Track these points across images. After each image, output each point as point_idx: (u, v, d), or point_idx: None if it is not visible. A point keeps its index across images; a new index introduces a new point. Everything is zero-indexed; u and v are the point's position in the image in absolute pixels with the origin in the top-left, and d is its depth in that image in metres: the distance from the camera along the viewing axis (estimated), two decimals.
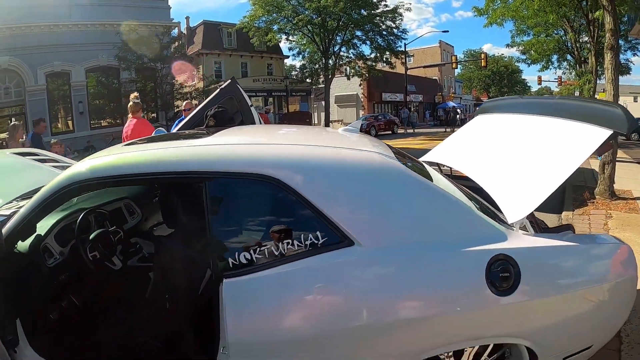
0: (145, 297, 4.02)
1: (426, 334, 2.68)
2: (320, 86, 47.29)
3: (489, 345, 2.90)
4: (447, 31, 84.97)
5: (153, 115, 34.02)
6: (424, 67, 56.79)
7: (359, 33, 43.59)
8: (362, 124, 27.46)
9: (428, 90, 66.59)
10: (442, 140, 5.18)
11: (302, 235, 2.71)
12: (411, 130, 44.28)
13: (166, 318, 3.54)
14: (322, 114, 47.51)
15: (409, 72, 49.95)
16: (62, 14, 30.20)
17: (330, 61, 42.92)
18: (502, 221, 3.01)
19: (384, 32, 43.75)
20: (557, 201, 9.99)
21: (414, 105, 59.85)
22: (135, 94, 9.32)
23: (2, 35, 27.96)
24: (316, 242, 2.69)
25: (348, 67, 45.31)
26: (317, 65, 44.04)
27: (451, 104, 63.99)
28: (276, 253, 2.70)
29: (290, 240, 2.71)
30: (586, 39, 28.15)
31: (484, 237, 2.79)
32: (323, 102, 46.39)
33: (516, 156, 3.71)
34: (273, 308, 2.68)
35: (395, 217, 2.79)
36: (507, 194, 3.25)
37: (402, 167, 3.03)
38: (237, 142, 3.54)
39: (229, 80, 5.81)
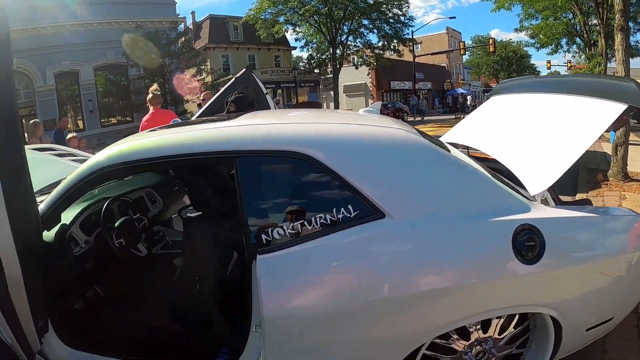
0: (173, 283, 4.09)
1: (457, 303, 2.75)
2: (328, 76, 47.16)
3: (515, 316, 2.96)
4: (454, 17, 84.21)
5: None
6: (432, 54, 56.53)
7: (365, 22, 43.39)
8: None
9: (436, 78, 66.29)
10: (453, 127, 5.21)
11: (335, 209, 2.74)
12: (419, 118, 44.08)
13: (196, 301, 3.58)
14: (331, 104, 47.52)
15: (417, 60, 49.74)
16: (68, 14, 30.26)
17: (338, 51, 42.72)
18: (524, 195, 3.05)
19: (391, 20, 43.49)
20: (571, 183, 9.99)
21: (422, 93, 59.56)
22: (156, 86, 9.32)
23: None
24: (348, 215, 2.74)
25: (356, 57, 45.11)
26: (324, 56, 43.96)
27: (460, 90, 63.59)
28: (309, 227, 2.74)
29: (323, 215, 2.74)
30: (595, 21, 27.96)
31: (509, 208, 2.86)
32: (331, 92, 46.29)
33: (533, 133, 3.76)
34: (308, 282, 2.73)
35: (424, 190, 2.86)
36: (527, 168, 3.30)
37: (427, 142, 3.10)
38: (266, 122, 3.58)
39: (244, 69, 5.88)
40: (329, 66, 44.60)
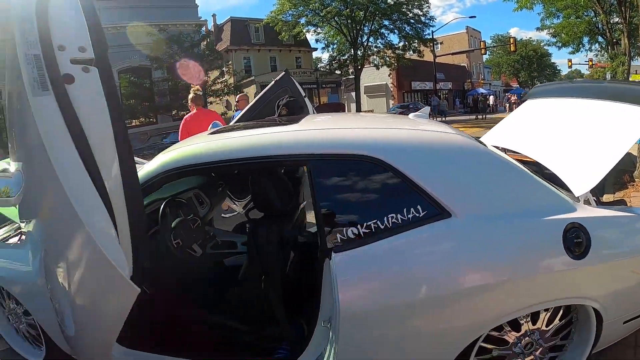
0: (226, 281, 4.17)
1: (513, 296, 2.90)
2: (350, 77, 47.08)
3: (561, 308, 3.11)
4: (474, 17, 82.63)
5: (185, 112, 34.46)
6: (452, 54, 56.09)
7: (386, 22, 43.21)
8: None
9: (457, 78, 65.91)
10: (475, 128, 5.34)
11: (405, 209, 2.90)
12: (440, 119, 43.83)
13: (259, 298, 3.65)
14: (352, 105, 47.49)
15: (437, 60, 49.47)
16: None
17: (359, 52, 42.72)
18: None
19: (412, 21, 43.28)
20: (599, 184, 9.99)
21: (443, 93, 59.13)
22: (197, 86, 9.41)
23: None
24: (417, 215, 2.89)
25: (377, 57, 45.03)
26: (345, 56, 43.96)
27: (481, 90, 63.07)
28: (381, 227, 2.88)
29: (394, 215, 2.89)
30: (617, 19, 27.78)
31: (558, 207, 3.03)
32: (352, 93, 46.25)
33: (572, 136, 3.90)
34: (381, 278, 2.89)
35: (485, 191, 3.04)
36: (570, 171, 3.45)
37: (482, 146, 3.29)
38: (335, 127, 3.81)
39: (283, 73, 6.04)
40: (350, 67, 44.55)
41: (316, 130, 3.61)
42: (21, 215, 3.45)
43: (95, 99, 2.57)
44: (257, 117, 5.46)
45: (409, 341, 2.96)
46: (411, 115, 4.19)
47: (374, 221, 2.90)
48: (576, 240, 2.88)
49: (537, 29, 39.87)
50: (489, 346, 3.08)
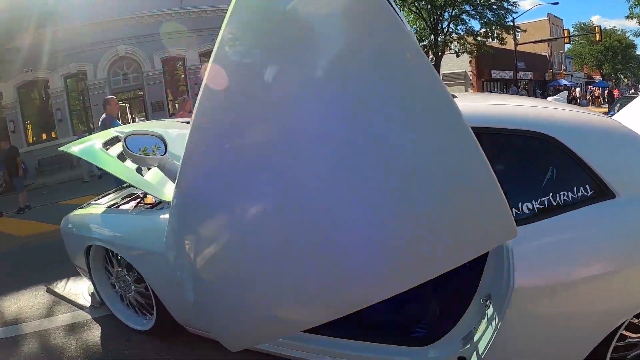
0: None
1: None
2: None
3: None
4: (557, 3, 78.55)
5: None
6: (535, 42, 54.31)
7: (467, 7, 42.94)
8: None
9: (537, 67, 64.07)
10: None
11: (575, 188, 2.96)
12: None
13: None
14: None
15: (517, 48, 48.46)
16: (173, 3, 31.44)
17: (439, 38, 42.37)
18: None
19: (494, 7, 42.78)
20: None
21: (522, 83, 57.90)
22: None
23: (118, 27, 30.02)
24: (586, 194, 2.96)
25: (458, 44, 44.60)
26: (425, 42, 43.61)
27: (563, 81, 61.50)
28: (554, 204, 2.96)
29: (565, 193, 2.97)
30: None
31: None
32: None
33: None
34: (554, 254, 2.90)
35: None
36: None
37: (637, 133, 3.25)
38: (505, 104, 3.96)
39: None
40: (430, 53, 44.07)
41: (490, 105, 3.70)
42: (185, 168, 2.83)
43: None
44: None
45: (572, 318, 2.97)
46: (550, 98, 4.17)
47: (547, 197, 2.98)
48: None
49: (627, 17, 38.57)
50: (627, 333, 3.09)
